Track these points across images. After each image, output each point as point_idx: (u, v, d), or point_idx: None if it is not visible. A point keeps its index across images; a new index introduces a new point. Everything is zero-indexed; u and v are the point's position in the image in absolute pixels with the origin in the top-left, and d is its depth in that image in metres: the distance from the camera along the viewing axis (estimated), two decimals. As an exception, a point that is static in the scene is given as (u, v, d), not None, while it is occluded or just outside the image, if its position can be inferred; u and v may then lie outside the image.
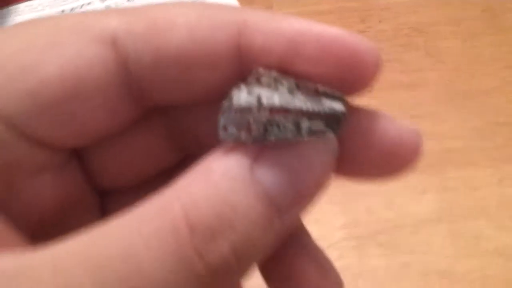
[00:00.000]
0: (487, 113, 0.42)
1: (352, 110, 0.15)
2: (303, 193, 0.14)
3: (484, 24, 0.48)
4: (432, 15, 0.49)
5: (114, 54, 0.15)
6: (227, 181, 0.14)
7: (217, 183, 0.13)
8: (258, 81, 0.14)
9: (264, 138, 0.14)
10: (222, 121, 0.14)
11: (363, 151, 0.16)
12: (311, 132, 0.14)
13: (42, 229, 0.17)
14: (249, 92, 0.14)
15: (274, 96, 0.14)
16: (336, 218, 0.37)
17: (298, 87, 0.14)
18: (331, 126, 0.14)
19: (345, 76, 0.15)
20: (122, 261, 0.12)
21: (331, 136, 0.14)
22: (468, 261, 0.34)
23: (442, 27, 0.48)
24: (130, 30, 0.15)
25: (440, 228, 0.36)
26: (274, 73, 0.14)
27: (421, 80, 0.45)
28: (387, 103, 0.44)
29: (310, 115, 0.14)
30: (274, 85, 0.14)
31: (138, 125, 0.18)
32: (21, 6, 0.50)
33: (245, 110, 0.14)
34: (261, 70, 0.14)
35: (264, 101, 0.13)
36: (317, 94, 0.14)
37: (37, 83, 0.15)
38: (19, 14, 0.49)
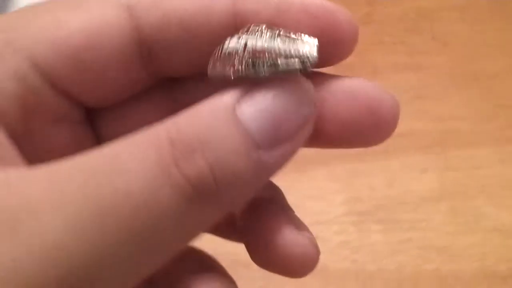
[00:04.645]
0: (490, 96, 0.43)
1: (333, 77, 0.17)
2: (281, 134, 0.15)
3: (491, 10, 0.48)
4: (439, 0, 0.49)
5: (129, 17, 0.17)
6: (211, 113, 0.15)
7: (201, 115, 0.15)
8: (247, 31, 0.16)
9: (246, 74, 0.15)
10: (211, 61, 0.16)
11: (345, 113, 0.17)
12: (287, 69, 0.15)
13: None
14: (237, 39, 0.16)
15: (257, 41, 0.15)
16: (337, 194, 0.38)
17: (279, 35, 0.16)
18: (305, 66, 0.15)
19: (325, 39, 0.16)
20: (110, 171, 0.14)
21: (305, 81, 0.16)
22: (467, 238, 0.35)
23: (449, 12, 0.48)
24: None
25: (440, 205, 0.37)
26: (262, 26, 0.16)
27: (426, 63, 0.45)
28: (392, 84, 0.44)
29: (286, 56, 0.15)
30: (259, 33, 0.16)
31: (145, 98, 0.19)
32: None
33: (231, 53, 0.16)
34: (252, 25, 0.16)
35: (248, 44, 0.15)
36: (294, 39, 0.16)
37: (64, 34, 0.17)
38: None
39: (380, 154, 0.40)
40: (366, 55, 0.45)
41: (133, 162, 0.14)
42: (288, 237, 0.18)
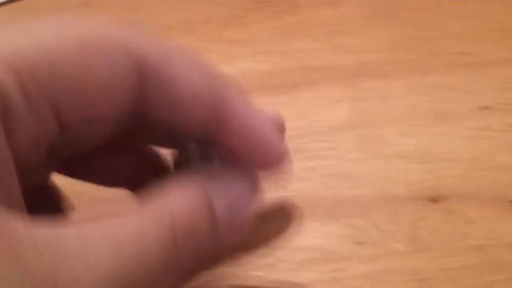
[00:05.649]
0: (408, 29, 0.42)
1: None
2: (236, 216, 0.21)
3: None
4: None
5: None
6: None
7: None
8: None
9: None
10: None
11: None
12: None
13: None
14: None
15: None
16: (247, 126, 0.37)
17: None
18: None
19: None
20: (132, 240, 0.17)
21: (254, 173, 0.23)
22: (369, 164, 0.34)
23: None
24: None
25: (347, 134, 0.36)
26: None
27: (348, -1, 0.45)
28: (311, 20, 0.43)
29: None
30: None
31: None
32: None
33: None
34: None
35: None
36: None
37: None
38: None
39: (293, 87, 0.39)
40: (289, -8, 0.45)
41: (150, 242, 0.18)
42: None
